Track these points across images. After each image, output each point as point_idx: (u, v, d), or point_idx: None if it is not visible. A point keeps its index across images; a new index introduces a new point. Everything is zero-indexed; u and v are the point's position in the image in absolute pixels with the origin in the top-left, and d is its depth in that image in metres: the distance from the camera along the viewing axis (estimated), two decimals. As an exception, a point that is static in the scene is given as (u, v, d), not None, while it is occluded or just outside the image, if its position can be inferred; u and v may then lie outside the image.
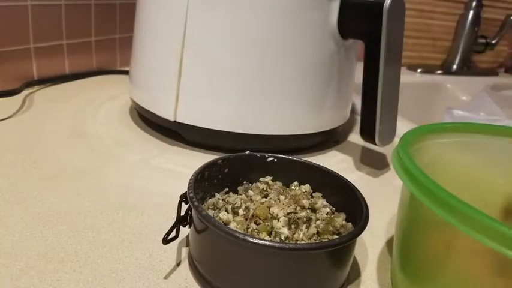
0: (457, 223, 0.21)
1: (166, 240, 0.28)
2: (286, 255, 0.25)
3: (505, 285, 0.23)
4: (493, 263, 0.23)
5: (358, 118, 0.49)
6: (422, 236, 0.28)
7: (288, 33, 0.45)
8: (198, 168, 0.32)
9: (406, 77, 0.92)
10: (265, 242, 0.24)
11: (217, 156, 0.34)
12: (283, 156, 0.35)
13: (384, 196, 0.43)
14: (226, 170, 0.34)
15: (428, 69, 1.09)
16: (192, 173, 0.31)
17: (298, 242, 0.28)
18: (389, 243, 0.36)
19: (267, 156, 0.35)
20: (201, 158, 0.45)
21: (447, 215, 0.22)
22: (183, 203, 0.30)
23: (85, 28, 0.75)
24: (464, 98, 0.96)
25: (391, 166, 0.51)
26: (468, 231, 0.21)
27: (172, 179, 0.43)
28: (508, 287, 0.23)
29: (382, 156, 0.54)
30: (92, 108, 0.60)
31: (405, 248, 0.30)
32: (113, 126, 0.55)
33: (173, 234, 0.29)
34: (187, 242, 0.33)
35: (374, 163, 0.52)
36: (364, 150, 0.55)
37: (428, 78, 1.05)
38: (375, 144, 0.47)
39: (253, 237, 0.25)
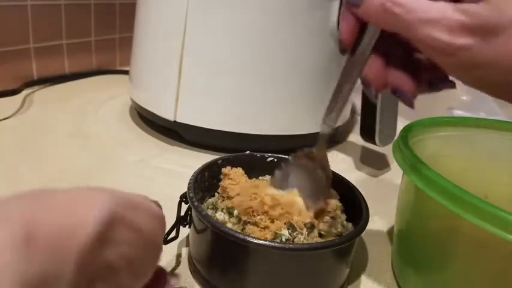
0: (459, 211, 0.22)
1: (166, 241, 0.28)
2: (286, 256, 0.25)
3: (504, 271, 0.23)
4: (497, 251, 0.23)
5: (358, 118, 0.49)
6: (421, 225, 0.28)
7: (288, 32, 0.45)
8: (198, 168, 0.32)
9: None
10: (265, 242, 0.24)
11: (217, 156, 0.34)
12: (283, 156, 0.35)
13: (384, 196, 0.43)
14: (226, 170, 0.34)
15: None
16: (192, 173, 0.31)
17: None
18: (390, 242, 0.36)
19: (267, 156, 0.35)
20: (200, 158, 0.45)
21: (450, 204, 0.22)
22: (183, 203, 0.30)
23: (85, 28, 0.75)
24: (464, 98, 0.96)
25: (391, 166, 0.51)
26: (471, 218, 0.21)
27: (172, 179, 0.43)
28: (508, 273, 0.23)
29: (382, 156, 0.54)
30: (92, 108, 0.60)
31: (405, 238, 0.30)
32: (113, 126, 0.55)
33: (173, 234, 0.29)
34: (187, 242, 0.33)
35: (374, 163, 0.52)
36: (364, 150, 0.55)
37: (428, 78, 1.05)
38: (375, 144, 0.47)
39: (253, 237, 0.25)
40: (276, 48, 0.45)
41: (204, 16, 0.45)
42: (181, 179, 0.34)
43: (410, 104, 0.24)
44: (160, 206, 0.21)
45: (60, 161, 0.44)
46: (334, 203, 0.31)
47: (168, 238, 0.28)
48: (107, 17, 0.79)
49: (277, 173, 0.31)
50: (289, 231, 0.28)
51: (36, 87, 0.66)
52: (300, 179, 0.31)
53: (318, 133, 0.30)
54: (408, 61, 0.25)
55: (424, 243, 0.28)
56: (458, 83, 0.26)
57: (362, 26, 0.24)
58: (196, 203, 0.27)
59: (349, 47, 0.25)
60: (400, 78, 0.24)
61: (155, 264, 0.18)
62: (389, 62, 0.25)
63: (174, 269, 0.30)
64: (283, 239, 0.28)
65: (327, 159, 0.30)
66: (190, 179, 0.30)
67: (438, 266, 0.26)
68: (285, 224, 0.28)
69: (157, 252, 0.19)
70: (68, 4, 0.70)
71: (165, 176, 0.43)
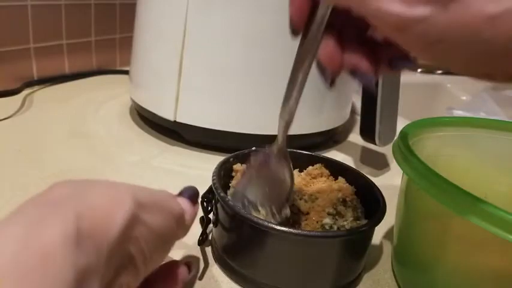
0: (459, 211, 0.22)
1: (198, 242, 0.30)
2: (302, 242, 0.26)
3: (503, 271, 0.23)
4: (497, 251, 0.23)
5: (358, 118, 0.49)
6: (421, 225, 0.28)
7: (288, 32, 0.45)
8: (218, 165, 0.32)
9: (406, 76, 0.92)
10: (286, 229, 0.25)
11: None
12: (290, 149, 0.35)
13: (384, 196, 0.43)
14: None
15: (428, 69, 1.09)
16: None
17: None
18: (390, 242, 0.36)
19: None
20: (200, 158, 0.45)
21: (449, 204, 0.22)
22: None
23: (85, 28, 0.75)
24: (464, 98, 0.96)
25: (391, 166, 0.51)
26: (471, 218, 0.21)
27: (172, 179, 0.43)
28: (507, 272, 0.23)
29: (382, 156, 0.54)
30: (92, 108, 0.60)
31: (404, 238, 0.30)
32: (113, 126, 0.55)
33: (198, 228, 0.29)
34: (211, 238, 0.33)
35: (374, 163, 0.52)
36: (364, 150, 0.55)
37: (428, 78, 1.05)
38: (375, 144, 0.47)
39: (276, 223, 0.26)
40: (276, 48, 0.45)
41: (204, 16, 0.45)
42: (182, 179, 0.34)
43: (372, 86, 0.22)
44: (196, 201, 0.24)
45: (60, 161, 0.44)
46: (348, 188, 0.31)
47: (201, 239, 0.29)
48: (107, 17, 0.79)
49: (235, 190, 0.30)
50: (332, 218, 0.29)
51: (36, 87, 0.66)
52: (261, 185, 0.29)
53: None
54: (364, 39, 0.22)
55: (424, 243, 0.28)
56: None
57: (314, 4, 0.22)
58: (222, 194, 0.28)
59: (300, 28, 0.23)
60: (357, 59, 0.22)
61: (165, 253, 0.22)
62: (343, 41, 0.22)
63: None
64: (327, 227, 0.29)
65: (289, 158, 0.29)
66: (214, 174, 0.30)
67: (438, 266, 0.26)
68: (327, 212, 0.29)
69: (167, 244, 0.21)
70: (68, 4, 0.70)
71: (165, 176, 0.43)
